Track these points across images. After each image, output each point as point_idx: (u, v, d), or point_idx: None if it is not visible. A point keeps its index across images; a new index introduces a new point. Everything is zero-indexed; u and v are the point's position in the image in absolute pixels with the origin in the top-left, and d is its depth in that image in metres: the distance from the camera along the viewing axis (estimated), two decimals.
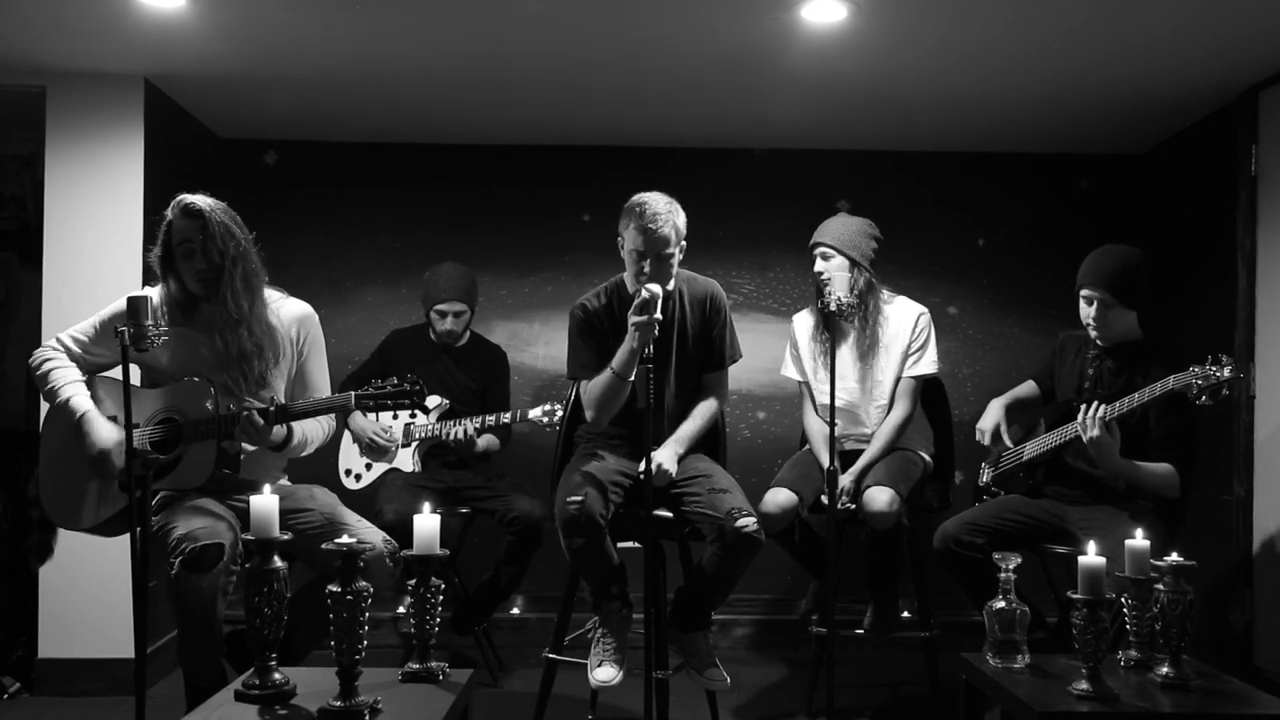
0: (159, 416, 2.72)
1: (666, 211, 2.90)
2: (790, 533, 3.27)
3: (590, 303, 3.08)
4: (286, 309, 2.88)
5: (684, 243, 3.00)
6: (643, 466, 2.68)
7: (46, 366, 2.76)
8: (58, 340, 2.81)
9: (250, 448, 2.78)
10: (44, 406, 2.86)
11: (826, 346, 3.25)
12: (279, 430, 2.72)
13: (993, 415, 3.40)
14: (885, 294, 3.42)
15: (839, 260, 3.32)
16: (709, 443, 3.23)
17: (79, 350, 2.80)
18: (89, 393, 2.75)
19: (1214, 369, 2.78)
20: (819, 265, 3.35)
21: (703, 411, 3.12)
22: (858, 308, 3.32)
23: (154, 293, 2.81)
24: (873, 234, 3.40)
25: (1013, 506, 3.23)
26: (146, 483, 2.36)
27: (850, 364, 3.41)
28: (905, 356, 3.38)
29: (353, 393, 2.71)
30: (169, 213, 2.75)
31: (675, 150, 4.55)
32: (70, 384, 2.73)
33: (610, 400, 2.97)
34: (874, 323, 3.37)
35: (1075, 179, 4.62)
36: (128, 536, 2.44)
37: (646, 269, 2.88)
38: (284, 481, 2.96)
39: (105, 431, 2.66)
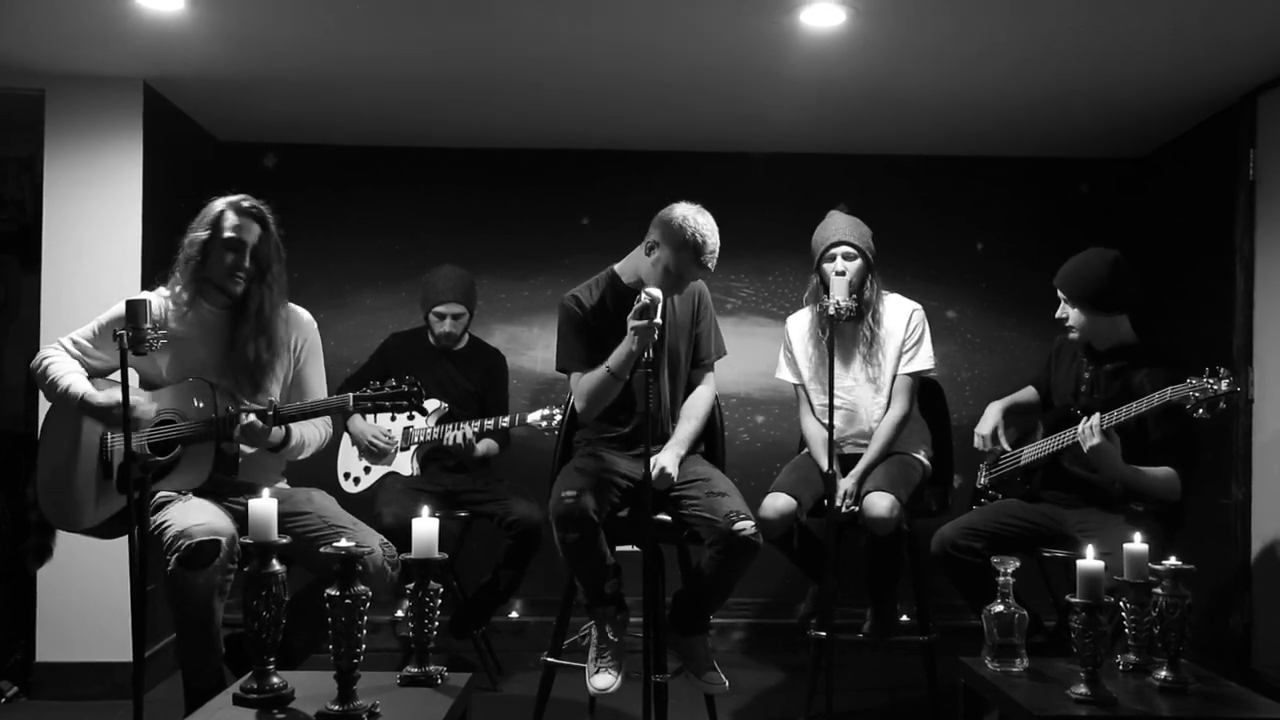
0: (158, 419, 2.73)
1: (715, 244, 2.92)
2: (789, 538, 3.26)
3: (581, 295, 3.09)
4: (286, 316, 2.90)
5: None
6: (644, 471, 2.67)
7: (46, 363, 2.78)
8: (59, 344, 2.83)
9: (249, 450, 2.79)
10: (43, 409, 2.87)
11: (825, 349, 3.25)
12: (277, 431, 2.74)
13: (991, 420, 3.39)
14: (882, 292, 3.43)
15: (860, 261, 3.31)
16: (707, 446, 3.24)
17: (79, 354, 2.81)
18: (87, 380, 2.75)
19: (1211, 382, 2.76)
20: (840, 264, 3.28)
21: (697, 409, 3.12)
22: (867, 307, 3.33)
23: (155, 296, 2.83)
24: (870, 231, 3.40)
25: (1010, 510, 3.22)
26: (145, 485, 2.36)
27: (850, 363, 3.41)
28: (900, 354, 3.38)
29: (351, 394, 2.72)
30: (221, 204, 2.79)
31: (673, 154, 4.55)
32: (69, 374, 2.74)
33: (602, 397, 2.98)
34: (875, 321, 3.37)
35: (1074, 182, 4.63)
36: (126, 539, 2.44)
37: (678, 288, 2.94)
38: (282, 485, 2.97)
39: (105, 395, 2.67)
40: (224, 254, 2.76)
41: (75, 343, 2.82)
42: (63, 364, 2.77)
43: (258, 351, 2.76)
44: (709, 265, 2.91)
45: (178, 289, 2.80)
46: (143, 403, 2.69)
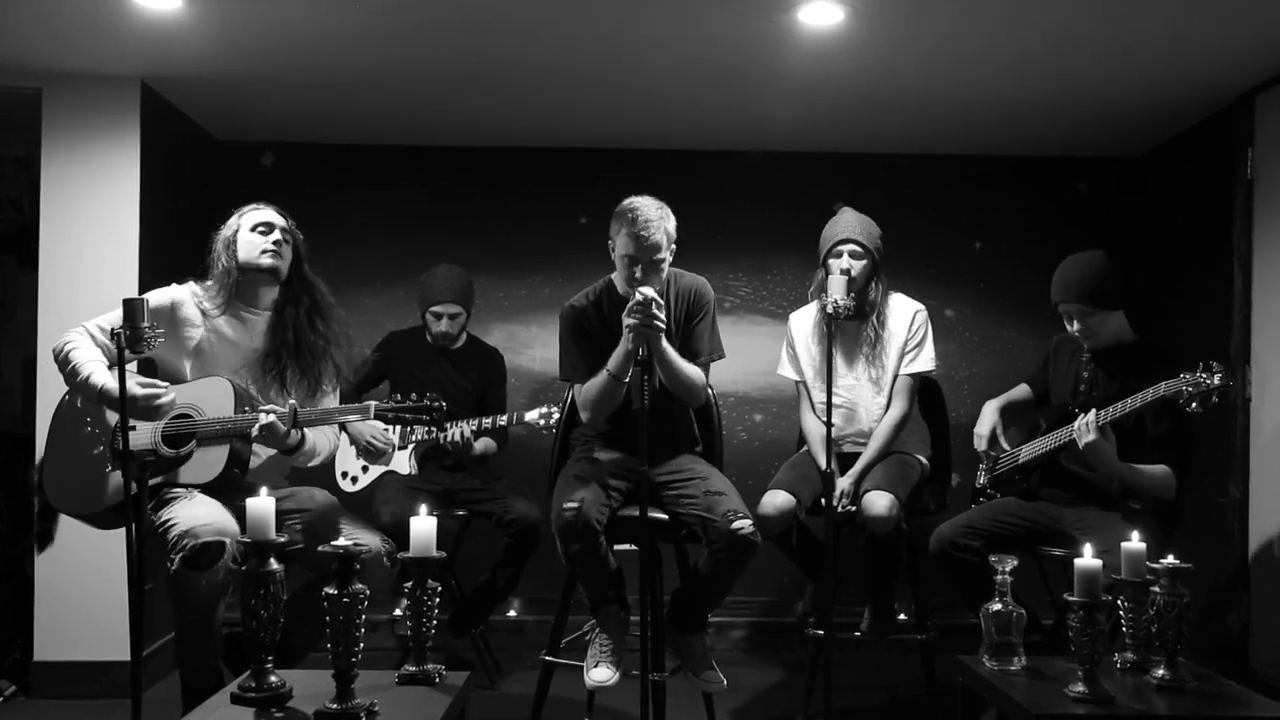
0: (174, 412, 2.74)
1: (658, 218, 2.88)
2: (788, 535, 3.26)
3: (579, 304, 3.08)
4: None
5: (674, 245, 2.99)
6: (642, 466, 2.67)
7: (69, 349, 2.78)
8: (84, 328, 2.84)
9: (265, 452, 2.80)
10: (41, 409, 2.87)
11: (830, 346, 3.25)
12: (294, 434, 2.76)
13: (988, 419, 3.40)
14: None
15: (866, 261, 3.31)
16: (705, 444, 3.24)
17: (104, 339, 2.82)
18: (108, 371, 2.76)
19: (1204, 376, 2.78)
20: (846, 262, 3.28)
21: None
22: (872, 307, 3.33)
23: (184, 291, 2.88)
24: (879, 231, 3.40)
25: (1008, 509, 3.23)
26: (144, 484, 2.36)
27: (853, 362, 3.41)
28: (902, 354, 3.38)
29: (372, 403, 2.73)
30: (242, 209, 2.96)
31: (670, 153, 4.55)
32: (90, 362, 2.75)
33: (606, 401, 2.97)
34: (880, 322, 3.37)
35: (1072, 182, 4.63)
36: (124, 538, 2.45)
37: (639, 274, 2.89)
38: (282, 484, 2.97)
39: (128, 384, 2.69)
40: (253, 236, 2.89)
41: (101, 328, 2.83)
42: (85, 351, 2.77)
43: (328, 349, 2.91)
44: (645, 234, 2.84)
45: (212, 286, 2.88)
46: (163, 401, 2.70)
